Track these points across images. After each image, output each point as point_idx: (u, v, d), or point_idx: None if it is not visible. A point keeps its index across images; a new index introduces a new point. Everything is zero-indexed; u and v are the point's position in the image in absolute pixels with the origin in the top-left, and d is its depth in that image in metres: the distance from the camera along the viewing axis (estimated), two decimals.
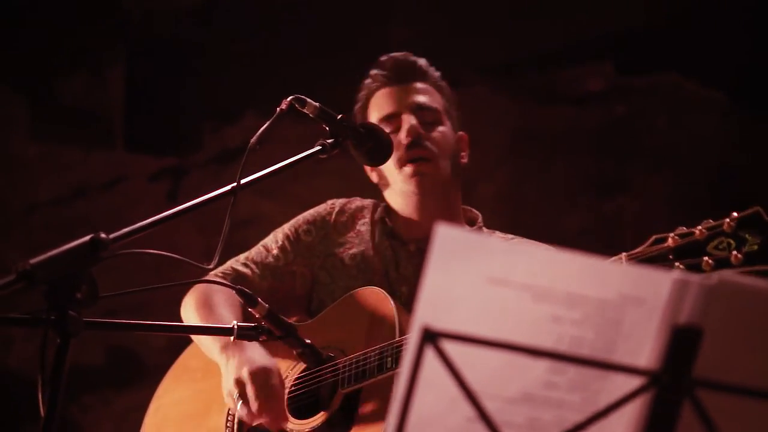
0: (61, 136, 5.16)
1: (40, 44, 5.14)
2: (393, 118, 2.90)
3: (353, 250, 2.91)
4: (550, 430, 1.49)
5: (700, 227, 2.30)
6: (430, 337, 1.46)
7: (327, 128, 2.48)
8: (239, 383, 2.60)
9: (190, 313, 2.83)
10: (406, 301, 2.77)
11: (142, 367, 4.90)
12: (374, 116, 2.94)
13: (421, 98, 2.92)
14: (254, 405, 2.59)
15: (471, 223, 2.98)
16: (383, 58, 3.00)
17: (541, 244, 2.50)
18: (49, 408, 1.80)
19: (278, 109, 2.40)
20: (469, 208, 3.02)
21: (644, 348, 1.49)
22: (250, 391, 2.59)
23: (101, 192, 5.17)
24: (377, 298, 2.71)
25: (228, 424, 2.78)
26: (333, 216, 2.98)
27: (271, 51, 5.31)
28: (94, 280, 1.90)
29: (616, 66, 5.62)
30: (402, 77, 2.94)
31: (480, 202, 5.77)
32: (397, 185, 2.89)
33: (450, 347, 1.46)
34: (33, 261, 1.86)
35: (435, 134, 2.90)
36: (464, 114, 5.86)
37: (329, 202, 3.03)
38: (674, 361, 1.49)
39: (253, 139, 2.32)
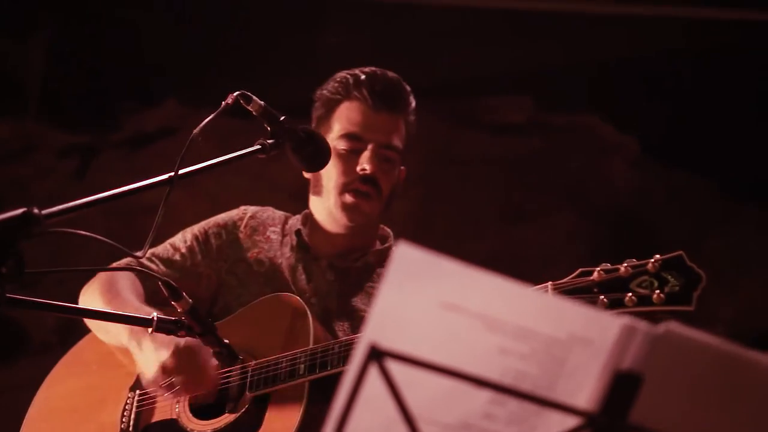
0: None
1: None
2: (356, 140, 2.80)
3: (261, 256, 2.87)
4: None
5: (625, 265, 2.38)
6: (376, 355, 1.44)
7: (268, 128, 2.44)
8: (165, 367, 2.55)
9: (93, 296, 2.75)
10: (316, 313, 2.74)
11: (28, 343, 4.76)
12: (337, 125, 2.83)
13: (392, 136, 2.80)
14: (190, 379, 2.55)
15: (383, 240, 2.94)
16: (376, 71, 2.84)
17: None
18: None
19: (223, 103, 2.35)
20: (381, 225, 2.97)
21: (584, 389, 1.50)
22: (179, 369, 2.54)
23: (7, 161, 5.03)
24: (294, 305, 2.67)
25: (123, 420, 2.73)
26: (244, 221, 2.93)
27: (203, 41, 5.24)
28: (22, 255, 1.83)
29: (537, 101, 5.70)
30: (384, 104, 2.79)
31: (391, 219, 5.78)
32: (329, 203, 2.82)
33: (394, 367, 1.45)
34: None
35: (391, 176, 2.82)
36: None
37: (242, 207, 2.98)
38: (612, 404, 1.50)
39: (195, 130, 2.27)
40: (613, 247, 5.27)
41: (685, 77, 5.57)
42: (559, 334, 1.48)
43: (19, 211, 1.85)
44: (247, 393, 2.61)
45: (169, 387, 2.58)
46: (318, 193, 2.87)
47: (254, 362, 2.63)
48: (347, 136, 2.81)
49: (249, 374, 2.62)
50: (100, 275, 2.79)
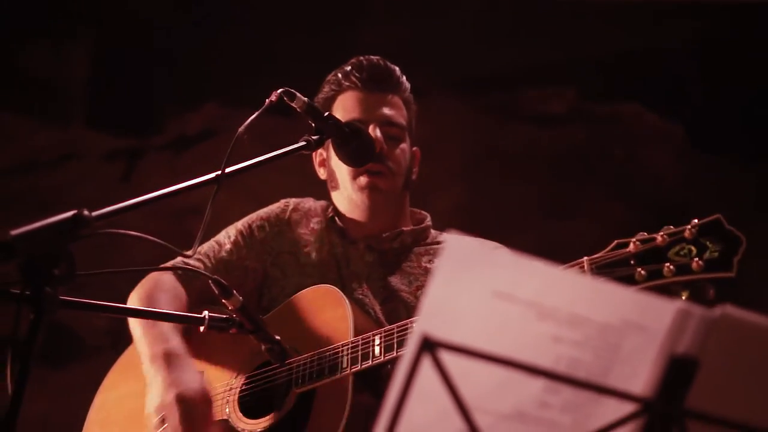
0: (17, 106, 5.05)
1: (4, 13, 5.04)
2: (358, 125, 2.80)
3: (308, 249, 2.90)
4: None
5: (661, 233, 2.33)
6: (429, 346, 1.44)
7: (312, 124, 2.46)
8: (163, 407, 2.59)
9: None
10: (357, 297, 2.77)
11: (82, 346, 4.81)
12: (338, 115, 2.83)
13: (391, 112, 2.88)
14: (178, 429, 2.57)
15: (418, 223, 2.97)
16: (360, 58, 2.93)
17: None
18: (18, 384, 1.75)
19: (267, 100, 2.38)
20: (417, 210, 3.00)
21: (640, 375, 1.48)
22: (173, 418, 2.57)
23: (53, 166, 5.08)
24: (332, 297, 2.69)
25: None
26: (287, 214, 2.97)
27: (242, 43, 5.26)
28: (73, 257, 1.84)
29: (579, 91, 5.66)
30: (376, 85, 2.88)
31: (435, 215, 5.77)
32: (347, 191, 2.87)
33: (447, 358, 1.44)
34: (14, 232, 1.80)
35: (397, 152, 2.87)
36: (427, 125, 5.86)
37: (283, 200, 3.01)
38: (668, 390, 1.48)
39: (240, 129, 2.29)
40: None
41: (731, 64, 5.50)
42: (613, 321, 1.47)
43: (70, 213, 1.87)
44: (294, 389, 2.63)
45: (161, 424, 2.60)
46: (335, 187, 2.92)
47: (298, 357, 2.65)
48: None
49: (294, 370, 2.63)
50: (143, 285, 2.82)
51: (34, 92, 5.09)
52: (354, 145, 2.52)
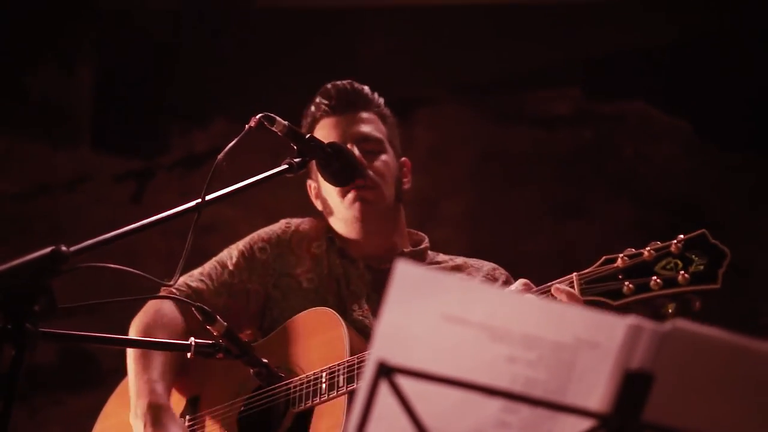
0: (27, 131, 5.12)
1: (9, 37, 5.10)
2: None
3: (308, 271, 2.93)
4: None
5: (648, 248, 2.38)
6: (385, 371, 1.47)
7: (294, 147, 2.49)
8: None
9: (128, 354, 2.80)
10: (357, 318, 2.81)
11: (98, 370, 4.86)
12: None
13: (365, 128, 2.94)
14: None
15: (416, 245, 3.01)
16: (327, 86, 3.01)
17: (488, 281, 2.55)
18: (2, 420, 1.79)
19: (247, 126, 2.41)
20: (414, 231, 3.05)
21: (596, 391, 1.51)
22: None
23: (65, 189, 5.14)
24: (328, 319, 2.72)
25: None
26: (288, 235, 3.00)
27: (245, 59, 5.30)
28: (53, 292, 1.89)
29: (585, 91, 5.67)
30: (345, 107, 2.96)
31: (444, 219, 5.78)
32: (341, 212, 2.92)
33: (405, 382, 1.47)
34: None
35: (378, 164, 2.93)
36: (434, 132, 5.86)
37: (284, 221, 3.05)
38: (625, 404, 1.51)
39: (219, 156, 2.33)
40: (670, 233, 5.23)
41: (732, 57, 5.49)
42: (565, 339, 1.49)
43: (48, 250, 1.91)
44: (291, 409, 2.65)
45: None
46: (330, 213, 2.97)
47: (295, 378, 2.67)
48: None
49: (291, 391, 2.66)
50: (140, 321, 2.85)
51: (43, 116, 5.16)
52: (337, 165, 2.55)
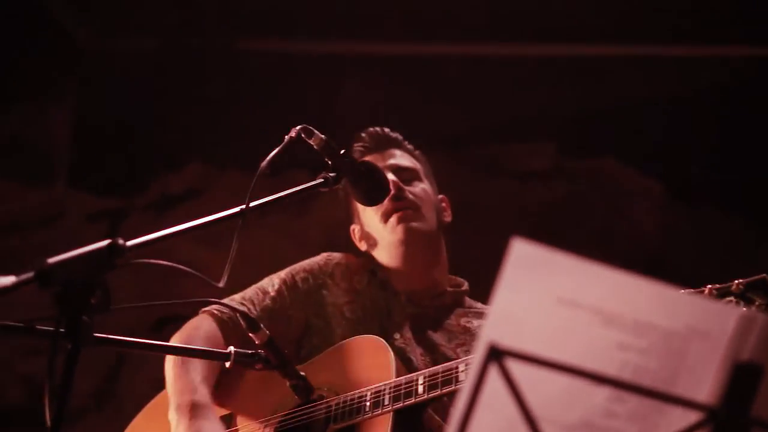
0: (1, 168, 5.01)
1: None
2: None
3: (352, 305, 2.94)
4: None
5: (708, 287, 2.38)
6: (496, 354, 1.42)
7: (329, 162, 2.46)
8: None
9: (168, 362, 2.78)
10: (399, 346, 2.80)
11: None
12: None
13: (399, 161, 3.04)
14: None
15: (457, 287, 3.03)
16: (361, 134, 3.11)
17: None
18: (56, 417, 1.71)
19: (287, 137, 2.39)
20: (453, 276, 3.08)
21: (705, 382, 1.47)
22: None
23: (37, 227, 5.02)
24: (375, 345, 2.72)
25: None
26: (330, 267, 3.02)
27: (224, 101, 5.27)
28: (108, 287, 1.82)
29: (560, 147, 5.71)
30: (380, 145, 3.06)
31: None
32: (385, 239, 2.96)
33: (514, 367, 1.42)
34: (50, 260, 1.78)
35: (416, 189, 3.00)
36: None
37: (325, 254, 3.07)
38: (733, 397, 1.47)
39: (263, 164, 2.30)
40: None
41: (705, 115, 5.58)
42: (677, 327, 1.46)
43: (105, 242, 1.84)
44: (332, 425, 2.63)
45: None
46: (374, 245, 3.01)
47: (338, 396, 2.66)
48: None
49: (333, 407, 2.65)
50: (182, 331, 2.84)
51: (18, 154, 5.05)
52: (367, 184, 2.53)
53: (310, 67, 5.46)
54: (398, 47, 5.52)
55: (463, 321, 2.92)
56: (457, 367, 2.55)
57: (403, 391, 2.57)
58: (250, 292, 2.95)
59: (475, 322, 2.90)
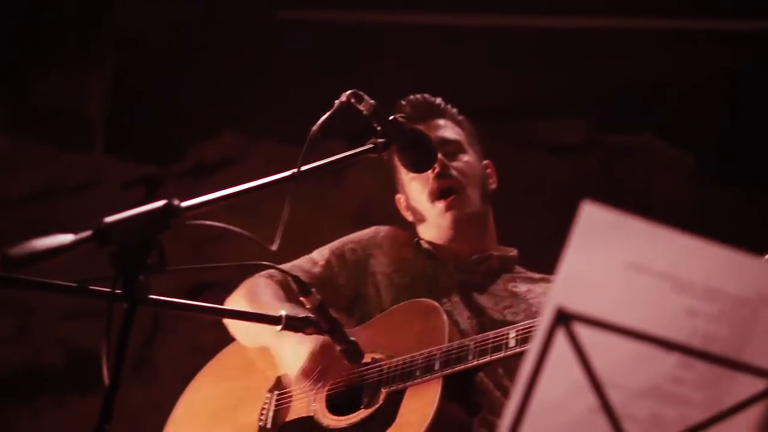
0: (38, 134, 5.03)
1: (25, 41, 5.02)
2: None
3: (401, 272, 2.96)
4: (671, 427, 1.44)
5: None
6: (563, 318, 1.41)
7: (378, 128, 2.44)
8: (314, 355, 2.66)
9: (238, 302, 2.84)
10: (446, 310, 2.79)
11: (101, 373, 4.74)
12: None
13: (442, 133, 3.02)
14: (335, 366, 2.65)
15: (505, 252, 3.05)
16: (401, 102, 3.07)
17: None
18: (114, 375, 1.71)
19: (337, 102, 2.37)
20: (503, 246, 3.08)
21: None
22: (327, 356, 2.64)
23: (73, 193, 5.04)
24: (428, 308, 2.74)
25: (261, 419, 2.76)
26: (379, 239, 3.04)
27: (260, 71, 5.26)
28: (164, 247, 1.81)
29: (593, 121, 5.68)
30: (422, 115, 3.02)
31: None
32: (432, 219, 2.98)
33: (581, 331, 1.41)
34: (108, 220, 1.77)
35: (460, 164, 2.99)
36: None
37: (373, 227, 3.09)
38: None
39: (314, 128, 2.28)
40: None
41: (737, 92, 5.54)
42: (749, 294, 1.44)
43: (161, 203, 1.84)
44: (382, 389, 2.64)
45: (319, 377, 2.64)
46: (421, 220, 3.02)
47: (389, 360, 2.67)
48: None
49: (384, 371, 2.66)
50: (243, 286, 2.90)
51: (55, 120, 5.07)
52: (415, 151, 2.51)
53: (348, 38, 5.44)
54: (436, 18, 5.50)
55: (510, 286, 2.93)
56: (507, 333, 2.55)
57: (454, 357, 2.58)
58: (300, 261, 2.98)
59: (523, 287, 2.91)
